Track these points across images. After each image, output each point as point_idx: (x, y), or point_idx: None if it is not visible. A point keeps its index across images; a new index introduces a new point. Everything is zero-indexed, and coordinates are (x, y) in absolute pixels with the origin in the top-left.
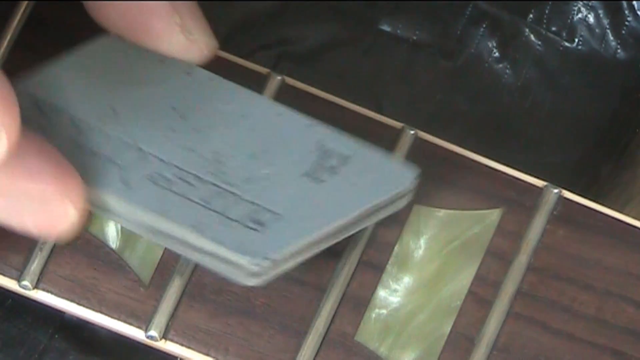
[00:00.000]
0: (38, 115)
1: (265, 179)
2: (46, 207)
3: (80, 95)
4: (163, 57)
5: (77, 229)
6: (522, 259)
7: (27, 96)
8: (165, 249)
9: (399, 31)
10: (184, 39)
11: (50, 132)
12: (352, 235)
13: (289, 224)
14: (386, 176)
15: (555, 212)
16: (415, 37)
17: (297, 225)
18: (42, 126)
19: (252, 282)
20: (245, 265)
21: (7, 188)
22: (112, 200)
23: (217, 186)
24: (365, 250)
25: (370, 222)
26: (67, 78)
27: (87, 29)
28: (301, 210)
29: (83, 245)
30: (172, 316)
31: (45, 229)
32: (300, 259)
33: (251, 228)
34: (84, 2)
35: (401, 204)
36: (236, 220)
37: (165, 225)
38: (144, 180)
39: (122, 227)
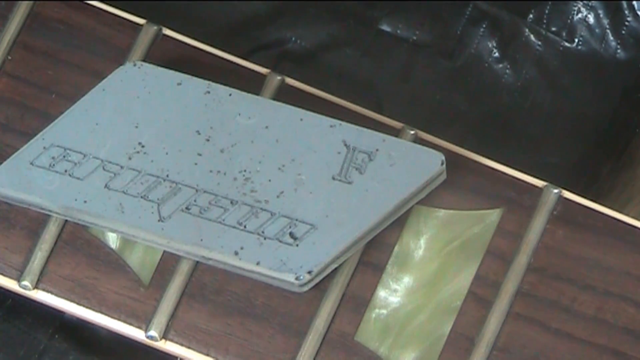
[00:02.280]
0: (67, 164)
1: (296, 190)
2: None
3: (105, 136)
4: (180, 79)
5: None
6: (522, 259)
7: (52, 148)
8: (165, 251)
9: (399, 31)
10: None
11: (81, 180)
12: None
13: (324, 234)
14: (413, 165)
15: (555, 212)
16: (415, 37)
17: (332, 234)
18: (72, 174)
19: (302, 289)
20: (290, 281)
21: None
22: (153, 237)
23: (250, 206)
24: (365, 250)
25: (406, 209)
26: (88, 121)
27: (88, 29)
28: (335, 217)
29: (83, 245)
30: (172, 316)
31: None
32: (344, 258)
33: (288, 244)
34: None
35: (432, 187)
36: (273, 239)
37: (206, 253)
38: (179, 212)
39: None
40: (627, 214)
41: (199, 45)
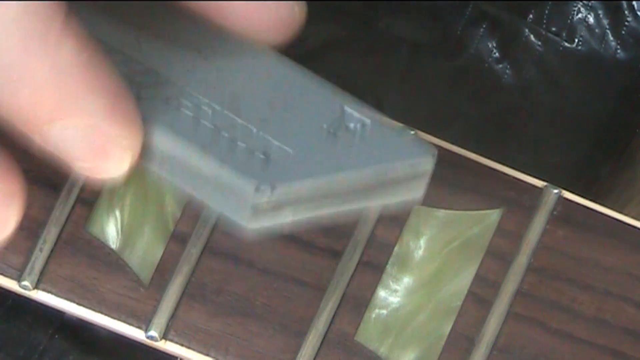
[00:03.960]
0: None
1: (282, 125)
2: (100, 145)
3: (110, 23)
4: None
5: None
6: (522, 259)
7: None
8: (165, 249)
9: (399, 31)
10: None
11: None
12: (352, 235)
13: (298, 162)
14: (403, 146)
15: (555, 213)
16: (415, 37)
17: (306, 165)
18: None
19: (250, 222)
20: (248, 191)
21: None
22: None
23: (232, 118)
24: (365, 250)
25: (381, 200)
26: (101, 6)
27: None
28: (312, 154)
29: (83, 245)
30: (172, 316)
31: (95, 169)
32: (301, 213)
33: (258, 158)
34: None
35: (415, 189)
36: (245, 149)
37: (172, 144)
38: (159, 100)
39: (122, 227)
40: (627, 214)
41: None
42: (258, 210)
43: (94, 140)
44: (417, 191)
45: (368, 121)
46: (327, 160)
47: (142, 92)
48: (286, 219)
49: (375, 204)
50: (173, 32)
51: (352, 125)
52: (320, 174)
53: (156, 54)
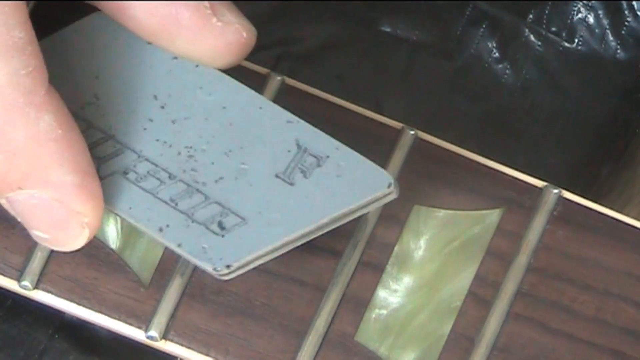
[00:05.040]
0: None
1: (237, 178)
2: (60, 220)
3: (65, 78)
4: None
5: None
6: (522, 259)
7: None
8: (165, 249)
9: (399, 31)
10: (219, 24)
11: None
12: (352, 235)
13: (253, 230)
14: (359, 181)
15: (555, 213)
16: (415, 37)
17: (261, 231)
18: None
19: (221, 278)
20: (208, 269)
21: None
22: None
23: (187, 184)
24: (365, 250)
25: (341, 223)
26: (55, 56)
27: None
28: (268, 215)
29: (83, 245)
30: (172, 316)
31: (54, 242)
32: (267, 258)
33: (215, 232)
34: (105, 7)
35: (378, 205)
36: (201, 224)
37: (132, 222)
38: (116, 175)
39: (122, 227)
40: (627, 214)
41: None
42: (222, 276)
43: (56, 213)
44: (375, 207)
45: (325, 154)
46: (281, 222)
47: (102, 167)
48: (253, 267)
49: (335, 227)
50: (131, 76)
51: (307, 163)
52: (274, 239)
53: (113, 108)
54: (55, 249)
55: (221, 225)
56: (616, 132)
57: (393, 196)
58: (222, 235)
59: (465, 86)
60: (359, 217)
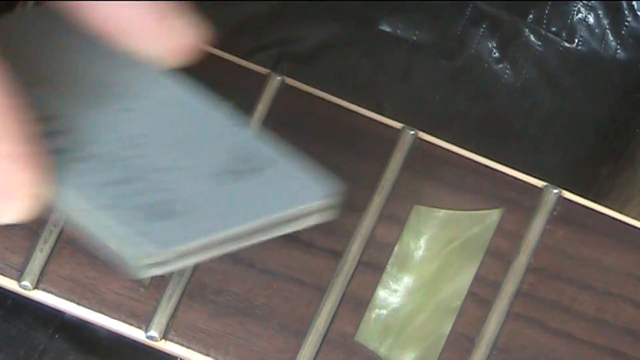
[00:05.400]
0: None
1: (176, 173)
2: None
3: (14, 61)
4: None
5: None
6: (521, 259)
7: None
8: None
9: (399, 31)
10: (171, 27)
11: None
12: (352, 235)
13: (184, 224)
14: (297, 191)
15: (555, 213)
16: (415, 37)
17: (191, 227)
18: None
19: (137, 274)
20: (127, 260)
21: None
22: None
23: (126, 171)
24: (365, 250)
25: (275, 234)
26: (5, 38)
27: None
28: (201, 211)
29: (83, 245)
30: (172, 316)
31: None
32: (193, 259)
33: (146, 222)
34: (61, 4)
35: (316, 219)
36: (132, 210)
37: (70, 204)
38: (60, 155)
39: None
40: (627, 214)
41: None
42: (139, 268)
43: None
44: (315, 221)
45: (265, 162)
46: (211, 220)
47: (49, 141)
48: (176, 267)
49: (270, 236)
50: (79, 66)
51: (247, 167)
52: (203, 235)
53: (60, 90)
54: (2, 220)
55: (154, 214)
56: (616, 132)
57: (331, 210)
58: (152, 226)
59: (465, 86)
60: (359, 217)
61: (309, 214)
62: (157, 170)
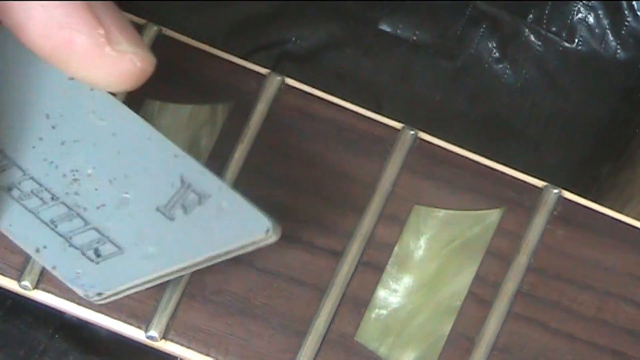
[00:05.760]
0: None
1: (118, 207)
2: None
3: None
4: None
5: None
6: (522, 259)
7: None
8: None
9: (399, 31)
10: (113, 53)
11: None
12: (352, 235)
13: (127, 261)
14: (238, 224)
15: (555, 213)
16: (415, 37)
17: (135, 264)
18: None
19: (90, 302)
20: (79, 292)
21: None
22: None
23: (69, 208)
24: (365, 250)
25: (218, 261)
26: None
27: None
28: (144, 248)
29: None
30: (172, 316)
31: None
32: (140, 288)
33: (90, 259)
34: (4, 23)
35: (256, 247)
36: (78, 249)
37: (11, 238)
38: (0, 190)
39: None
40: (627, 214)
41: (199, 46)
42: (93, 300)
43: None
44: (254, 249)
45: (207, 192)
46: (156, 256)
47: None
48: (125, 295)
49: (211, 263)
50: (25, 93)
51: (189, 199)
52: (147, 273)
53: (3, 122)
54: None
55: (97, 253)
56: (616, 132)
57: (272, 240)
58: (97, 263)
59: (465, 86)
60: (359, 217)
61: (253, 244)
62: (100, 206)
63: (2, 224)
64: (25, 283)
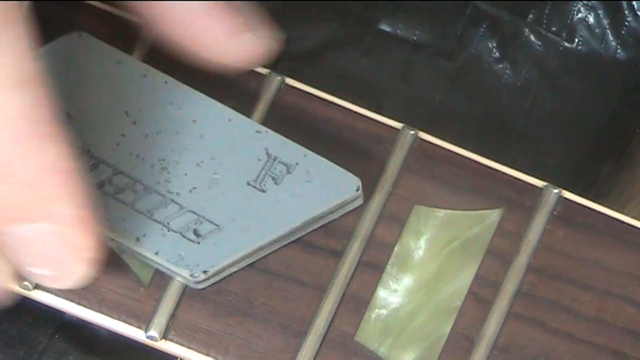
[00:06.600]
0: None
1: (209, 188)
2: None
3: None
4: (120, 58)
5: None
6: (522, 259)
7: None
8: None
9: (399, 31)
10: (252, 39)
11: None
12: (352, 235)
13: (227, 236)
14: (329, 185)
15: (555, 212)
16: (415, 37)
17: (235, 238)
18: None
19: (197, 287)
20: (184, 276)
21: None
22: None
23: (162, 196)
24: (365, 250)
25: (312, 229)
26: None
27: (87, 29)
28: (241, 222)
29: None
30: (172, 316)
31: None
32: (242, 264)
33: (191, 240)
34: (134, 9)
35: (346, 210)
36: (177, 232)
37: (108, 234)
38: (93, 189)
39: None
40: (627, 214)
41: None
42: (199, 282)
43: (56, 247)
44: (345, 212)
45: (293, 161)
46: (254, 228)
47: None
48: (228, 273)
49: (306, 232)
50: (102, 94)
51: (277, 170)
52: (248, 245)
53: (86, 126)
54: (51, 286)
55: (197, 233)
56: (616, 132)
57: (360, 201)
58: (198, 243)
59: (465, 86)
60: (359, 217)
61: (345, 205)
62: (192, 189)
63: (99, 221)
64: (25, 283)
